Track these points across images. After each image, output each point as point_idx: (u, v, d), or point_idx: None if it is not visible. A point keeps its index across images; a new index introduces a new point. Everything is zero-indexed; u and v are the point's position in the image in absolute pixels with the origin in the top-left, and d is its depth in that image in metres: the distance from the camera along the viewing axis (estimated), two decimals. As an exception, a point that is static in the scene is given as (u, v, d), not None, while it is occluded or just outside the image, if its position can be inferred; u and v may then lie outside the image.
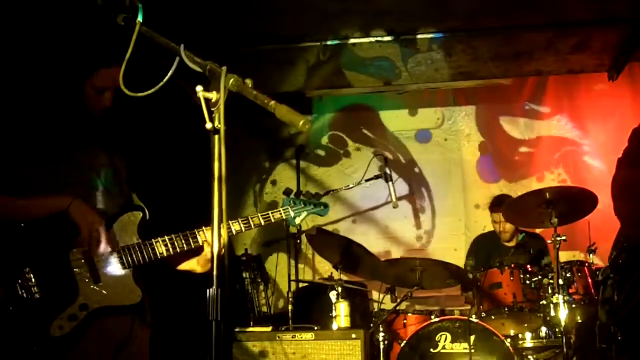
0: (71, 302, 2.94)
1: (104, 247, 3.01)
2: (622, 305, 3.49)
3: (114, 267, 3.07)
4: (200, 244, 3.21)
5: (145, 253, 3.11)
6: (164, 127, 5.78)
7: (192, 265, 3.35)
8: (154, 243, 3.14)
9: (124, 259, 3.08)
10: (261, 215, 3.37)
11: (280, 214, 3.46)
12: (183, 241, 3.18)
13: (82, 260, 2.99)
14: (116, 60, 3.11)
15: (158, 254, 3.13)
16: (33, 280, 2.89)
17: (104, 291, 3.03)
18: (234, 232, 3.30)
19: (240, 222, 3.29)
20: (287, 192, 3.56)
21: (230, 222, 3.27)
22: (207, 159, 1.99)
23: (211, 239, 1.99)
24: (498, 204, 6.48)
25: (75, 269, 2.98)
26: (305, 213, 3.54)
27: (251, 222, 3.32)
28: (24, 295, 2.86)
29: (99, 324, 3.01)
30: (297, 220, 3.53)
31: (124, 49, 2.20)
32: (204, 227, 3.21)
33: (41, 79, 3.37)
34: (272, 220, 3.41)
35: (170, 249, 3.15)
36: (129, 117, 4.16)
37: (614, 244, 3.69)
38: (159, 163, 5.57)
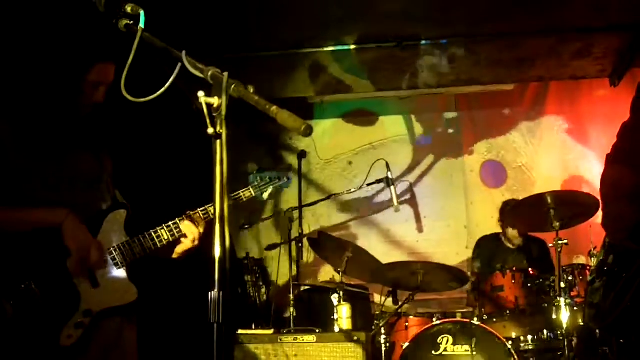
0: (75, 310, 2.97)
1: (93, 266, 3.03)
2: (609, 311, 3.42)
3: (109, 268, 3.11)
4: (184, 233, 3.26)
5: (135, 249, 3.16)
6: (166, 131, 5.80)
7: (174, 254, 3.38)
8: (141, 238, 3.18)
9: (117, 258, 3.12)
10: (232, 196, 3.45)
11: (250, 191, 3.58)
12: (168, 233, 3.23)
13: (80, 267, 3.01)
14: (112, 56, 3.16)
15: (147, 249, 3.18)
16: (37, 293, 2.89)
17: (103, 294, 3.06)
18: (210, 215, 3.34)
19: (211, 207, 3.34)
20: (252, 168, 3.65)
21: (199, 209, 3.33)
22: (208, 164, 2.01)
23: (213, 242, 2.01)
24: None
25: (74, 277, 3.00)
26: (271, 188, 3.69)
27: None
28: (31, 309, 2.87)
29: (100, 326, 3.04)
30: (265, 196, 3.67)
31: (119, 46, 2.21)
32: (184, 216, 3.29)
33: (37, 78, 3.37)
34: (244, 199, 3.54)
35: (158, 243, 3.20)
36: (127, 119, 4.17)
37: (603, 247, 3.63)
38: (158, 165, 5.60)
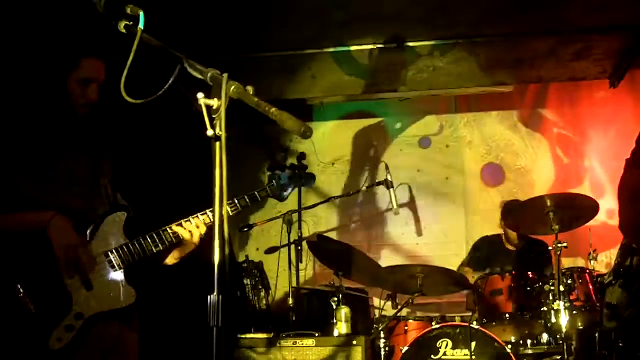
0: (66, 313, 2.92)
1: (77, 268, 2.98)
2: (624, 311, 3.44)
3: (105, 271, 3.07)
4: (184, 237, 3.21)
5: (134, 252, 3.11)
6: (164, 133, 5.78)
7: (170, 259, 3.36)
8: (141, 240, 3.14)
9: (113, 261, 3.08)
10: (247, 196, 3.37)
11: (267, 191, 3.47)
12: (171, 235, 3.18)
13: (69, 270, 2.97)
14: (96, 51, 3.12)
15: (147, 251, 3.14)
16: (27, 295, 2.86)
17: (97, 297, 3.01)
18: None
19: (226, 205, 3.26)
20: (271, 167, 3.56)
21: (200, 213, 3.26)
22: (206, 166, 2.00)
23: (212, 246, 1.99)
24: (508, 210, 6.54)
25: (66, 280, 2.96)
26: (291, 187, 3.55)
27: (237, 204, 3.33)
28: (21, 312, 2.84)
29: (94, 330, 3.00)
30: (285, 195, 3.54)
31: (107, 43, 2.18)
32: (185, 219, 3.23)
33: (22, 78, 3.34)
34: (259, 199, 3.41)
35: (160, 245, 3.16)
36: (128, 121, 4.14)
37: (620, 249, 3.62)
38: (157, 167, 5.57)
